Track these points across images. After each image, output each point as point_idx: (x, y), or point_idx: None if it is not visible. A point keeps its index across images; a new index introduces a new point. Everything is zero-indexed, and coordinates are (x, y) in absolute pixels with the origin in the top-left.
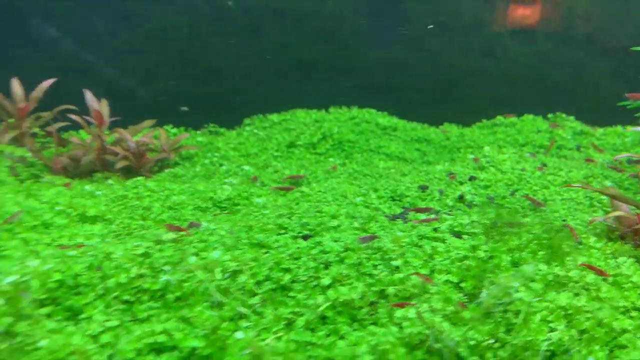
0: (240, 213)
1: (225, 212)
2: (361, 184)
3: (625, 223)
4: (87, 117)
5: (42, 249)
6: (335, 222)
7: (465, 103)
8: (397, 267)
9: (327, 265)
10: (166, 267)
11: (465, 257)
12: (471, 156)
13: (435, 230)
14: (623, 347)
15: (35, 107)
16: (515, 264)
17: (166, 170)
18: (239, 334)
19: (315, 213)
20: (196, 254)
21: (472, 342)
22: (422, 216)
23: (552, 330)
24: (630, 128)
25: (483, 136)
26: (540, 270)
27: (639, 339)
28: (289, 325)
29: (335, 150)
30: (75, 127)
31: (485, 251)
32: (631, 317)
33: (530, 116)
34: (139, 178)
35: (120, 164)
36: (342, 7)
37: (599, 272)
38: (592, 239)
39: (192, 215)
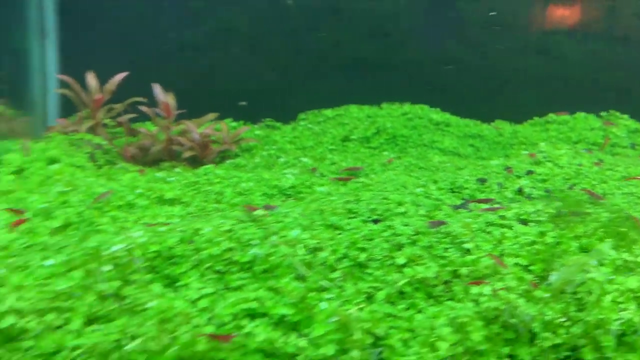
0: (307, 199)
1: (291, 199)
2: (419, 176)
3: None
4: (156, 109)
5: (130, 226)
6: (402, 209)
7: (517, 100)
8: (468, 250)
9: (400, 247)
10: (254, 242)
11: (534, 242)
12: (525, 152)
13: (501, 217)
14: None
15: (109, 99)
16: (583, 249)
17: (228, 161)
18: (323, 304)
19: (382, 200)
20: (275, 233)
21: (546, 318)
22: (485, 206)
23: (622, 310)
24: None
25: (535, 133)
26: (608, 255)
27: None
28: (369, 298)
29: (389, 144)
30: (142, 118)
31: (553, 237)
32: None
33: (583, 114)
34: (209, 166)
35: (187, 154)
36: (397, 6)
37: None
38: None
39: (261, 201)
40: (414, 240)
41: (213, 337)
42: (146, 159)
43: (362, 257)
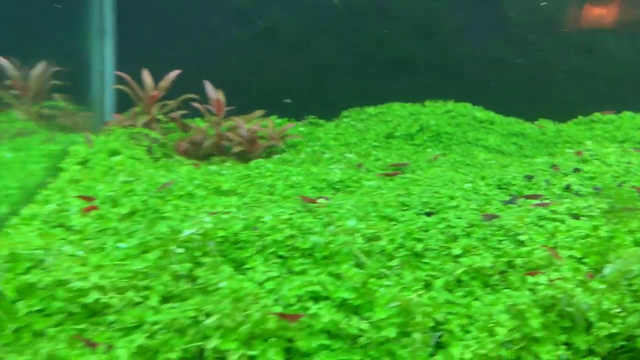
0: (357, 192)
1: (340, 192)
2: (466, 172)
3: None
4: (207, 106)
5: (193, 214)
6: (454, 203)
7: (561, 99)
8: (522, 242)
9: (455, 238)
10: (314, 230)
11: (587, 236)
12: (570, 150)
13: (553, 212)
14: None
15: (163, 95)
16: (637, 243)
17: (275, 156)
18: (382, 290)
19: (433, 194)
20: (332, 222)
21: (603, 308)
22: (535, 201)
23: None
24: None
25: (580, 132)
26: None
27: None
28: (427, 286)
29: (432, 141)
30: (192, 115)
31: (607, 231)
32: None
33: (629, 113)
34: (260, 160)
35: (236, 149)
36: (442, 4)
37: None
38: None
39: (311, 193)
40: (468, 233)
41: (282, 316)
42: (197, 153)
43: (419, 247)
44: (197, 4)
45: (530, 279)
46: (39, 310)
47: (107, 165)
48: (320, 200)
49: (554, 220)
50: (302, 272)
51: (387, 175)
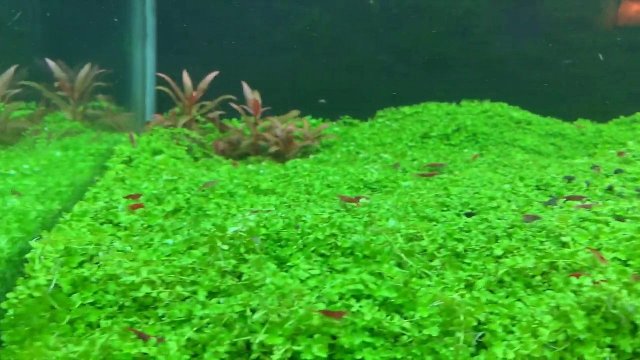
0: (395, 192)
1: (376, 192)
2: (504, 172)
3: None
4: (244, 107)
5: (235, 212)
6: (494, 203)
7: (601, 99)
8: (565, 243)
9: (496, 239)
10: (354, 229)
11: (632, 238)
12: (612, 151)
13: (596, 214)
14: None
15: (201, 96)
16: None
17: (310, 156)
18: (424, 289)
19: (473, 194)
20: (372, 222)
21: None
22: (577, 203)
23: None
24: None
25: (621, 132)
26: None
27: None
28: (469, 286)
29: (469, 142)
30: (228, 115)
31: None
32: None
33: None
34: (297, 159)
35: (272, 149)
36: (478, 3)
37: None
38: None
39: (349, 193)
40: (509, 233)
41: (326, 313)
42: (234, 153)
43: (460, 247)
44: (235, 6)
45: (574, 281)
46: (92, 303)
47: (150, 164)
48: (362, 200)
49: (597, 222)
50: (344, 271)
51: (425, 175)
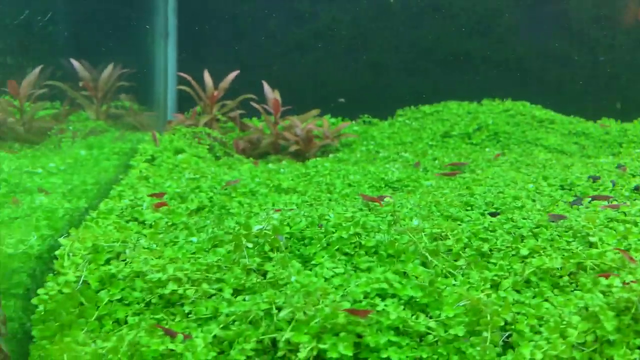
0: (418, 192)
1: (398, 191)
2: (528, 172)
3: None
4: (265, 106)
5: (257, 210)
6: (519, 203)
7: (626, 97)
8: (593, 243)
9: (522, 239)
10: (378, 228)
11: None
12: (637, 150)
13: (624, 214)
14: None
15: (222, 95)
16: None
17: (330, 155)
18: (449, 289)
19: (497, 194)
20: (396, 221)
21: None
22: (604, 203)
23: None
24: None
25: None
26: None
27: None
28: (495, 286)
29: (490, 141)
30: (248, 114)
31: None
32: None
33: None
34: (318, 159)
35: (293, 148)
36: (499, 1)
37: None
38: None
39: (370, 192)
40: (535, 233)
41: (352, 312)
42: (254, 152)
43: (485, 247)
44: (255, 6)
45: (603, 281)
46: (119, 300)
47: (172, 163)
48: (386, 199)
49: (625, 222)
50: (368, 270)
51: (447, 174)
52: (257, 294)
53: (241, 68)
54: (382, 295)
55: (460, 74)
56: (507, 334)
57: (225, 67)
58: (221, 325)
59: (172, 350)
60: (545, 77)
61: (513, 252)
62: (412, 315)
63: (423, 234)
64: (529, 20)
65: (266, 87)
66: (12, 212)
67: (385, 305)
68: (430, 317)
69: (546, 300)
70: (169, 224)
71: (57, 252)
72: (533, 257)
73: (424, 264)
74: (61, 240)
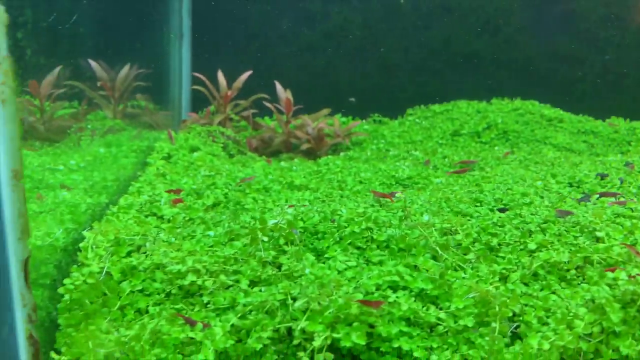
0: (428, 189)
1: (408, 188)
2: (537, 170)
3: None
4: (277, 105)
5: (271, 206)
6: (527, 199)
7: (634, 96)
8: (599, 238)
9: (530, 233)
10: (390, 223)
11: None
12: None
13: (631, 210)
14: None
15: (235, 95)
16: None
17: (341, 154)
18: (459, 282)
19: (506, 190)
20: (407, 217)
21: None
22: (611, 199)
23: None
24: None
25: None
26: None
27: None
28: (503, 279)
29: (499, 139)
30: (261, 114)
31: None
32: None
33: None
34: (329, 157)
35: (304, 146)
36: (508, 1)
37: None
38: None
39: (381, 189)
40: (543, 228)
41: (364, 302)
42: (267, 150)
43: (494, 241)
44: (268, 7)
45: (610, 275)
46: (140, 290)
47: (188, 161)
48: (397, 195)
49: (632, 217)
50: (380, 263)
51: (457, 172)
52: (273, 285)
53: (254, 68)
54: (394, 287)
55: (469, 73)
56: (515, 325)
57: (239, 67)
58: (239, 315)
59: (192, 338)
60: (554, 76)
61: (521, 247)
62: (423, 306)
63: (433, 228)
64: (538, 20)
65: (278, 86)
66: (37, 207)
67: (397, 297)
68: (441, 309)
69: (553, 292)
70: (187, 218)
71: (81, 245)
72: (541, 251)
73: (434, 258)
74: (85, 233)
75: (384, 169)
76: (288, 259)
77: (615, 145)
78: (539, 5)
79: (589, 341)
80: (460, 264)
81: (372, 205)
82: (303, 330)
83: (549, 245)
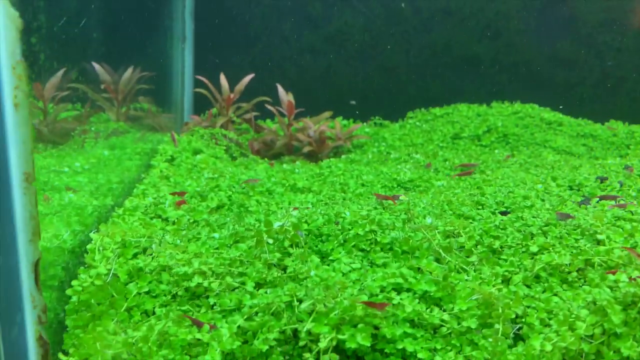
0: (430, 191)
1: (410, 191)
2: (537, 173)
3: None
4: (279, 108)
5: (274, 208)
6: (528, 202)
7: (633, 100)
8: (600, 241)
9: (531, 236)
10: (393, 225)
11: None
12: None
13: (631, 213)
14: None
15: (237, 98)
16: None
17: (342, 156)
18: (462, 284)
19: (508, 194)
20: (410, 219)
21: None
22: (611, 202)
23: None
24: None
25: None
26: None
27: None
28: (506, 281)
29: (499, 142)
30: (262, 116)
31: None
32: None
33: None
34: (331, 159)
35: (306, 149)
36: (508, 6)
37: None
38: None
39: (383, 192)
40: (544, 231)
41: (369, 304)
42: (269, 153)
43: (496, 244)
44: (270, 10)
45: (611, 277)
46: (147, 292)
47: (191, 163)
48: (400, 198)
49: (632, 220)
50: (384, 265)
51: (461, 174)
52: (279, 287)
53: (256, 71)
54: (398, 289)
55: (470, 77)
56: (517, 326)
57: (241, 70)
58: (245, 317)
59: (198, 339)
60: (554, 79)
61: (523, 249)
62: (427, 308)
63: (436, 231)
64: (538, 24)
65: (280, 89)
66: (45, 208)
67: (401, 299)
68: (444, 310)
69: (555, 294)
70: (191, 221)
71: (88, 247)
72: (542, 253)
73: (437, 260)
74: (92, 235)
75: (386, 171)
76: (293, 261)
77: (614, 149)
78: (539, 10)
79: (591, 342)
80: (463, 266)
81: (375, 208)
82: (309, 332)
83: (550, 248)
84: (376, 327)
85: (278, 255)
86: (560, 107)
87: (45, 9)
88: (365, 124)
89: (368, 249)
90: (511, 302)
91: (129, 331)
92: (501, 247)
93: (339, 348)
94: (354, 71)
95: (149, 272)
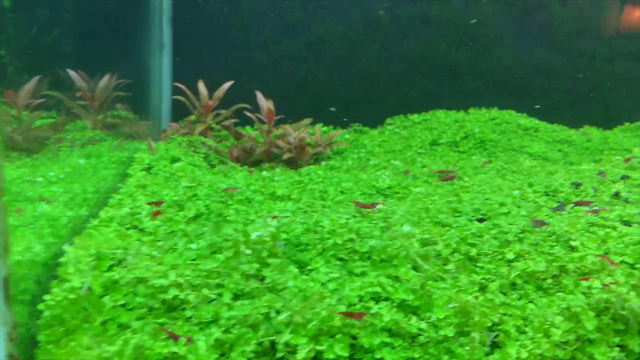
0: (408, 199)
1: (389, 198)
2: (514, 179)
3: None
4: (258, 115)
5: (253, 217)
6: (504, 209)
7: (606, 106)
8: (574, 247)
9: (508, 243)
10: (371, 234)
11: (639, 242)
12: (618, 157)
13: (604, 219)
14: None
15: (217, 104)
16: None
17: (322, 163)
18: (439, 292)
19: (484, 200)
20: (388, 227)
21: None
22: (586, 208)
23: None
24: None
25: (627, 139)
26: None
27: None
28: (482, 289)
29: (477, 148)
30: (241, 123)
31: None
32: None
33: None
34: (311, 167)
35: (286, 156)
36: (485, 14)
37: None
38: None
39: (362, 199)
40: (520, 238)
41: (347, 314)
42: (248, 160)
43: (473, 251)
44: (249, 17)
45: (584, 283)
46: (122, 305)
47: (169, 172)
48: (378, 206)
49: (605, 226)
50: (362, 274)
51: (444, 180)
52: (256, 299)
53: (235, 78)
54: (376, 298)
55: (448, 83)
56: (494, 334)
57: (220, 77)
58: (222, 329)
59: (175, 353)
60: (530, 86)
61: (499, 257)
62: (405, 317)
63: (414, 239)
64: (514, 32)
65: (260, 96)
66: (16, 220)
67: (379, 308)
68: (422, 319)
69: (531, 301)
70: (168, 231)
71: (61, 259)
72: (518, 261)
73: (415, 268)
74: (65, 247)
75: (365, 178)
76: (271, 271)
77: (589, 154)
78: (515, 18)
79: (565, 349)
80: (441, 274)
81: (354, 216)
82: (287, 344)
83: (526, 255)
84: (354, 337)
85: (256, 265)
86: (537, 106)
87: (15, 18)
88: (345, 130)
89: (347, 258)
90: (487, 310)
91: (104, 345)
92: (478, 254)
93: (317, 359)
94: (334, 78)
95: (125, 285)
